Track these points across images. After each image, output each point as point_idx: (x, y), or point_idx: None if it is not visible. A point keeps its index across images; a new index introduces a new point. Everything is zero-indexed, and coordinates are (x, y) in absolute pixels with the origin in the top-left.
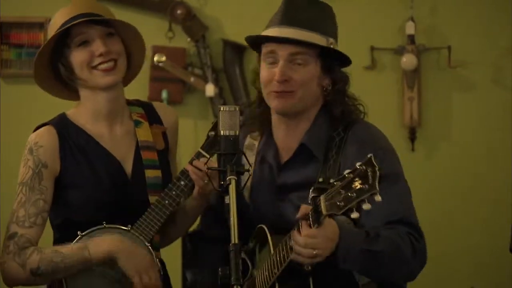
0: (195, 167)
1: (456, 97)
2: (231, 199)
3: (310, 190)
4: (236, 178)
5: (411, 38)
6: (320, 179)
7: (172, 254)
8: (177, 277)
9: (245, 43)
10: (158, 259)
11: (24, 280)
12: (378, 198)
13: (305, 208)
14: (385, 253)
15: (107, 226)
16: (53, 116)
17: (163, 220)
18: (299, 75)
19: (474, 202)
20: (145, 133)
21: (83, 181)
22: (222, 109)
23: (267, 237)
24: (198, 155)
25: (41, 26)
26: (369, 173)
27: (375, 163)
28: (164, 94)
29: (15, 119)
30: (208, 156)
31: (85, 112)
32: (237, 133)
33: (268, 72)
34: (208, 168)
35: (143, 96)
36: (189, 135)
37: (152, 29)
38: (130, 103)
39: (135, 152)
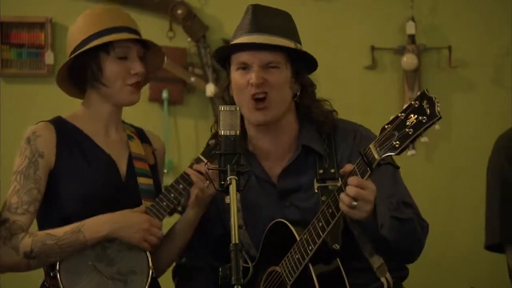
0: (196, 170)
1: (456, 97)
2: (232, 199)
3: (314, 181)
4: (236, 178)
5: (412, 38)
6: (321, 171)
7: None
8: None
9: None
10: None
11: (17, 264)
12: (437, 127)
13: (348, 166)
14: (410, 221)
15: None
16: (53, 115)
17: (160, 222)
18: (274, 77)
19: (474, 202)
20: (137, 147)
21: (79, 174)
22: (222, 109)
23: (287, 228)
24: (198, 160)
25: (42, 26)
26: (425, 105)
27: (429, 94)
28: (164, 94)
29: (15, 119)
30: (206, 161)
31: (83, 115)
32: (238, 133)
33: (242, 77)
34: (208, 168)
35: (144, 96)
36: (190, 135)
37: (152, 29)
38: (123, 122)
39: (128, 160)
